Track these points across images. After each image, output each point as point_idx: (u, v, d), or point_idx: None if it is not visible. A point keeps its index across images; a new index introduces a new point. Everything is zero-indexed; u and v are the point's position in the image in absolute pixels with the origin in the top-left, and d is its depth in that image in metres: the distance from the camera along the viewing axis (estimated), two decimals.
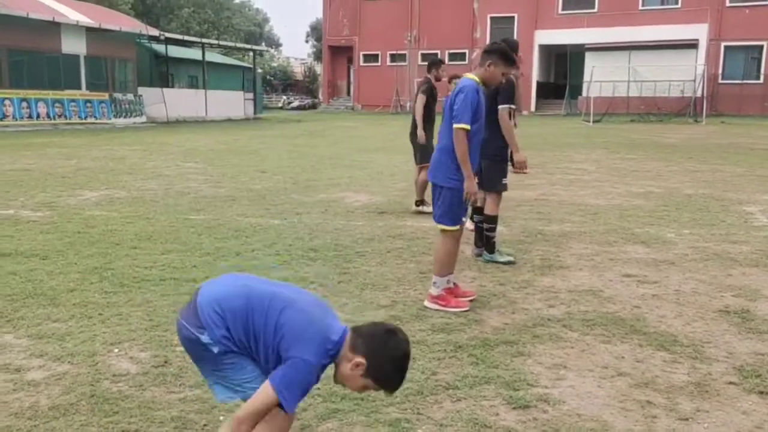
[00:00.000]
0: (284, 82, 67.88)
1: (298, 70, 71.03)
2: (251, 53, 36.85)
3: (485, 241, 5.43)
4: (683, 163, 12.85)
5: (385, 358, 2.09)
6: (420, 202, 7.61)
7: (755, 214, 7.41)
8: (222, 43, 39.27)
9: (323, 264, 5.25)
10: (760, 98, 33.93)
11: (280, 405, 2.03)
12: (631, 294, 4.50)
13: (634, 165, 12.57)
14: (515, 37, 37.63)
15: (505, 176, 5.40)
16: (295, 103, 53.65)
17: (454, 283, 4.35)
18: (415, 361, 3.35)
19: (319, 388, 3.00)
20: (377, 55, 45.11)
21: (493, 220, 5.38)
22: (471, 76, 4.20)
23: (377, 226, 6.77)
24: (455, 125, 4.05)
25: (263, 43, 62.85)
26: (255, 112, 34.55)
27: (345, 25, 45.97)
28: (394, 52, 43.40)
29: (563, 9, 38.21)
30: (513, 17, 39.49)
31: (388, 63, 44.35)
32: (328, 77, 49.43)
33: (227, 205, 7.88)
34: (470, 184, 4.09)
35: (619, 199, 8.56)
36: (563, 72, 39.98)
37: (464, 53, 40.56)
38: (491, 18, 40.27)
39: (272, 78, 66.13)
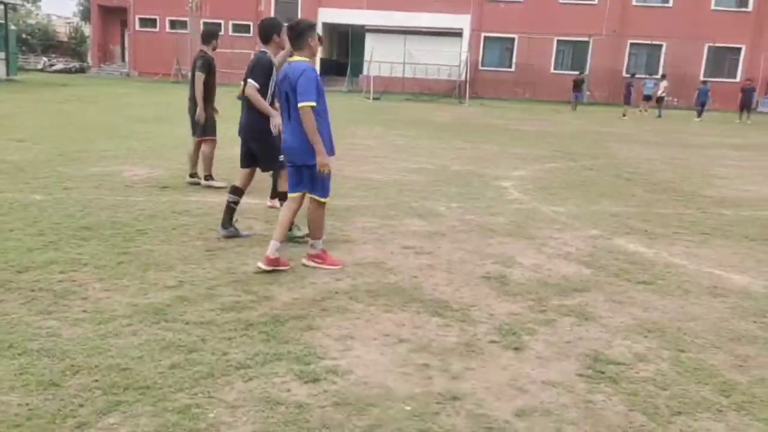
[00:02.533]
0: (45, 43, 59.86)
1: (62, 30, 63.03)
2: (1, 6, 32.05)
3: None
4: (451, 141, 14.03)
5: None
6: (208, 176, 7.37)
7: (509, 189, 8.40)
8: None
9: (99, 244, 4.88)
10: (511, 84, 38.29)
11: None
12: (410, 265, 4.87)
13: (410, 142, 13.43)
14: (299, 12, 37.73)
15: (280, 152, 5.41)
16: (59, 66, 47.77)
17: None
18: (206, 342, 3.31)
19: (97, 380, 2.83)
20: (155, 20, 42.03)
21: (284, 196, 5.41)
22: (300, 58, 4.44)
23: (160, 202, 6.43)
24: (301, 104, 4.29)
25: None
26: (8, 73, 30.21)
27: None
28: (175, 18, 40.81)
29: None
30: None
31: (168, 29, 41.59)
32: (98, 40, 44.89)
33: None
34: (323, 158, 4.42)
35: (397, 174, 9.12)
36: (345, 50, 41.02)
37: (249, 25, 39.59)
38: None
39: (29, 37, 58.02)
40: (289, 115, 4.48)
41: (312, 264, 4.66)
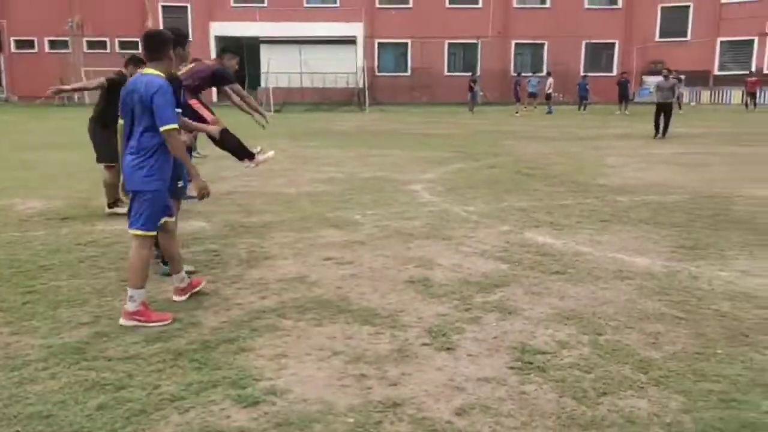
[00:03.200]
0: None
1: None
2: None
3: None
4: (357, 148, 14.15)
5: None
6: (113, 203, 7.04)
7: (420, 192, 8.58)
8: None
9: None
10: (408, 88, 39.13)
11: None
12: (333, 276, 4.88)
13: (316, 152, 13.43)
14: (189, 27, 36.76)
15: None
16: None
17: (189, 273, 4.33)
18: (133, 377, 3.18)
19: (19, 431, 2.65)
20: (32, 41, 39.61)
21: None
22: (154, 72, 3.94)
23: (62, 235, 6.09)
24: (165, 127, 3.80)
25: None
26: None
27: None
28: (54, 38, 38.62)
29: (236, 2, 38.52)
30: (186, 7, 38.44)
31: (47, 50, 39.31)
32: None
33: None
34: (198, 179, 4.06)
35: (308, 186, 9.09)
36: (241, 63, 40.41)
37: (137, 41, 38.11)
38: (163, 7, 38.57)
39: None
40: (131, 133, 3.95)
41: (131, 324, 3.84)
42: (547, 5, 39.22)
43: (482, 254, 5.45)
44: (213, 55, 38.49)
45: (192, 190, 4.39)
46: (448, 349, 3.53)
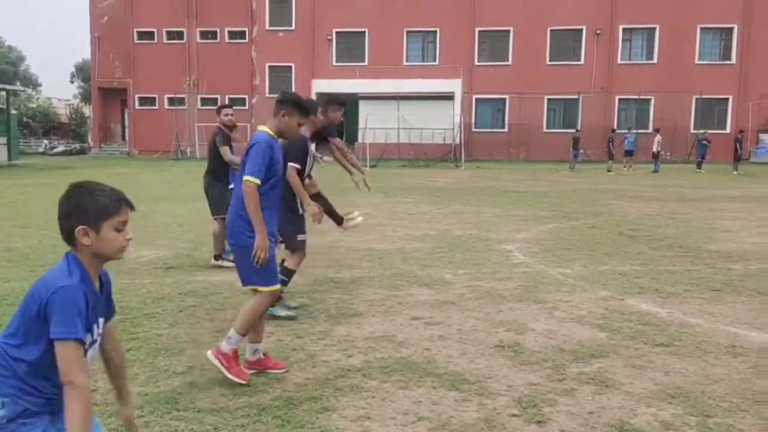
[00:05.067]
0: (46, 125, 60.92)
1: (63, 112, 64.28)
2: (3, 93, 32.78)
3: None
4: (451, 205, 14.11)
5: (79, 203, 2.08)
6: (218, 256, 7.31)
7: (513, 252, 8.38)
8: None
9: None
10: (505, 144, 38.93)
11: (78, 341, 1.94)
12: (421, 336, 4.80)
13: (410, 208, 13.52)
14: (293, 85, 38.72)
15: (301, 232, 5.44)
16: (60, 148, 48.37)
17: (264, 353, 4.14)
18: (219, 431, 3.22)
19: None
20: (154, 99, 43.13)
21: (289, 273, 5.39)
22: (264, 129, 4.09)
23: (166, 284, 6.40)
24: (244, 178, 3.87)
25: (18, 83, 55.91)
26: (10, 159, 30.65)
27: (117, 67, 43.37)
28: (173, 95, 41.88)
29: (337, 61, 40.28)
30: (290, 66, 40.62)
31: (166, 106, 42.62)
32: (98, 120, 45.89)
33: None
34: (261, 239, 3.82)
35: (400, 242, 9.12)
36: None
37: (245, 98, 40.62)
38: (269, 66, 41.00)
39: (31, 120, 59.09)
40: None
41: (214, 361, 3.88)
42: (654, 61, 38.19)
43: (578, 320, 5.20)
44: None
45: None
46: (539, 422, 3.34)
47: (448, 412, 3.47)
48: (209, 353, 3.92)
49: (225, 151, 7.25)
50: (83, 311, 1.98)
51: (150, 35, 42.69)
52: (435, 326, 5.06)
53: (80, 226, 2.07)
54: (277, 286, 4.04)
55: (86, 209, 2.07)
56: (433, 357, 4.34)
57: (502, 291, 6.21)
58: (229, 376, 3.82)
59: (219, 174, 7.34)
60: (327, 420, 3.36)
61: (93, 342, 2.11)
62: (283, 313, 5.27)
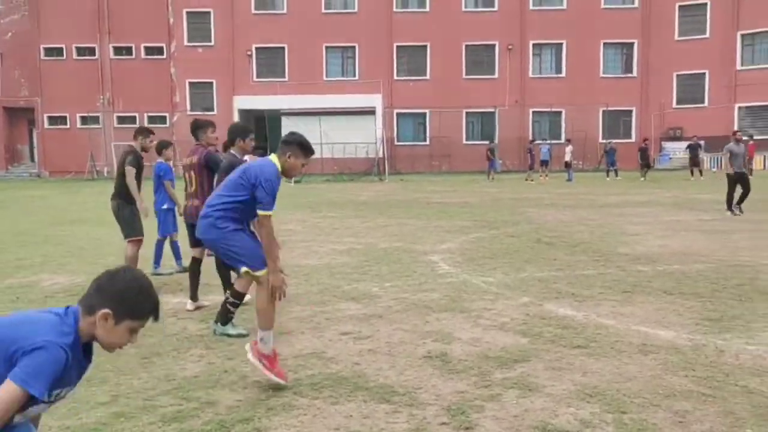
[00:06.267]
0: None
1: None
2: None
3: (222, 312, 5.29)
4: (376, 219, 14.25)
5: (124, 292, 2.08)
6: None
7: (438, 263, 8.57)
8: None
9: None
10: (428, 157, 39.77)
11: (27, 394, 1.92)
12: (350, 351, 4.85)
13: (336, 223, 13.55)
14: (215, 101, 38.12)
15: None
16: None
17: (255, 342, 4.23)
18: None
19: None
20: (65, 117, 41.22)
21: (241, 296, 5.31)
22: (275, 162, 4.24)
23: None
24: (262, 212, 4.06)
25: None
26: None
27: (23, 85, 41.21)
28: (86, 114, 40.20)
29: (258, 77, 39.98)
30: (212, 83, 40.01)
31: (79, 125, 40.85)
32: (4, 141, 43.38)
33: None
34: (276, 278, 4.10)
35: (327, 257, 9.13)
36: (263, 134, 41.52)
37: (165, 116, 39.59)
38: (190, 83, 40.18)
39: None
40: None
41: (257, 364, 4.06)
42: (563, 74, 40.01)
43: (501, 327, 5.39)
44: None
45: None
46: (467, 428, 3.45)
47: (380, 425, 3.53)
48: (249, 356, 4.06)
49: (129, 171, 7.06)
50: (58, 374, 1.97)
51: (59, 51, 40.79)
52: (364, 340, 5.12)
53: (107, 310, 2.06)
54: (265, 270, 4.16)
55: (125, 301, 2.07)
56: (363, 371, 4.40)
57: (429, 302, 6.35)
58: (270, 375, 3.99)
59: (128, 196, 7.13)
60: None
61: (49, 403, 2.08)
62: (233, 331, 5.24)
